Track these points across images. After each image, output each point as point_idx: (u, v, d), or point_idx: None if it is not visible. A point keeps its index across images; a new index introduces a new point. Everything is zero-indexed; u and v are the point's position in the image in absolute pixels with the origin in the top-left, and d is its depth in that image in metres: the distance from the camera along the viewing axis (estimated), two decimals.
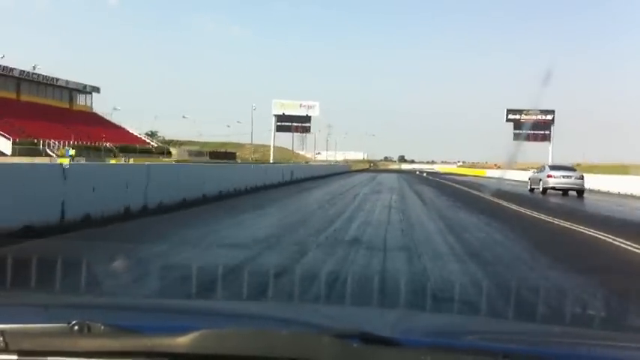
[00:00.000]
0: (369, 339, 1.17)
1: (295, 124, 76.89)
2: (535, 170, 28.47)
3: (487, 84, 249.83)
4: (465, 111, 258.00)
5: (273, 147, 78.03)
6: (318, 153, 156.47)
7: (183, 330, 1.17)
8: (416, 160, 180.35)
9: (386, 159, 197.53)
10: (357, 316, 1.99)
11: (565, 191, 25.23)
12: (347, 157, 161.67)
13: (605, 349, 1.54)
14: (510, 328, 2.01)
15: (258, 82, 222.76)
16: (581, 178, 25.40)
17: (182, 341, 1.14)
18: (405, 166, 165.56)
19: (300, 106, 76.96)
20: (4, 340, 1.18)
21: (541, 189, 25.71)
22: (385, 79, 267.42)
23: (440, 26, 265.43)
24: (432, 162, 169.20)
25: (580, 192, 25.09)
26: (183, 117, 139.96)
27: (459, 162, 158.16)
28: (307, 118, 76.88)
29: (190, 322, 1.37)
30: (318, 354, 1.12)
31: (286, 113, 76.57)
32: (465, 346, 1.33)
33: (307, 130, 78.67)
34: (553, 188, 25.18)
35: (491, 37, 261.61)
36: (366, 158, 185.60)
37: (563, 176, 25.25)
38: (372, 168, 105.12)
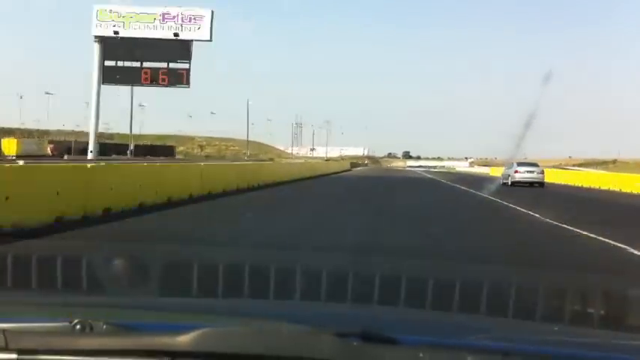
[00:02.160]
0: (369, 337, 1.17)
1: (151, 64, 30.86)
2: (506, 167, 31.76)
3: (494, 77, 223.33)
4: (471, 104, 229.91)
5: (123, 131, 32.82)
6: (313, 149, 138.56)
7: (185, 329, 1.18)
8: (422, 157, 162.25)
9: (390, 155, 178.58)
10: (358, 314, 1.99)
11: (530, 184, 28.53)
12: (345, 154, 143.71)
13: (605, 348, 1.53)
14: (510, 327, 2.01)
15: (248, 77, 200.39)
16: (542, 172, 29.97)
17: (183, 340, 1.15)
18: (410, 163, 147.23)
19: (163, 18, 30.59)
20: (4, 338, 1.18)
21: (510, 183, 28.93)
22: (387, 73, 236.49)
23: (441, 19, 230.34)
24: (439, 158, 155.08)
25: (541, 184, 29.00)
26: (140, 105, 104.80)
27: (470, 158, 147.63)
28: (181, 48, 30.67)
29: (191, 321, 1.37)
30: (319, 352, 1.13)
31: (126, 35, 30.43)
32: (465, 345, 1.33)
33: (181, 79, 31.74)
34: (519, 182, 28.46)
35: (497, 29, 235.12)
36: (366, 154, 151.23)
37: (527, 171, 29.11)
38: (361, 167, 76.14)
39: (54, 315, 1.39)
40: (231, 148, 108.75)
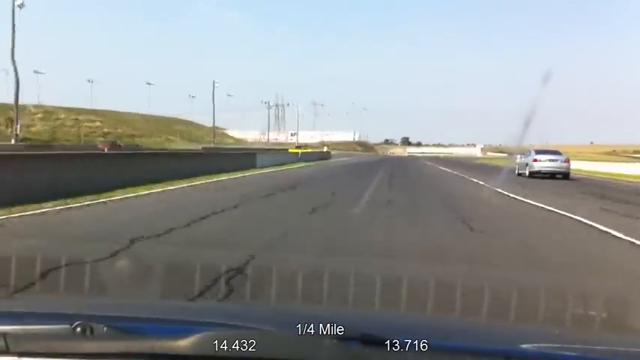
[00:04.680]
0: (369, 341, 1.18)
1: None
2: (521, 155, 27.73)
3: (499, 61, 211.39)
4: (474, 89, 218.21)
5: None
6: (294, 133, 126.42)
7: (185, 332, 1.18)
8: (422, 143, 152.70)
9: (387, 142, 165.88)
10: (358, 317, 1.99)
11: (552, 175, 25.06)
12: (330, 139, 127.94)
13: (606, 352, 1.53)
14: (511, 331, 2.01)
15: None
16: (567, 161, 25.70)
17: (184, 343, 1.16)
18: (411, 151, 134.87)
19: None
20: (5, 342, 1.18)
21: (527, 173, 25.43)
22: (384, 50, 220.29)
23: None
24: (440, 145, 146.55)
25: (565, 175, 25.30)
26: (35, 72, 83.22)
27: (479, 144, 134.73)
28: None
29: (192, 324, 1.37)
30: (319, 356, 1.14)
31: None
32: (465, 348, 1.33)
33: None
34: (539, 172, 24.99)
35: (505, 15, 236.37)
36: (357, 140, 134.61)
37: (549, 160, 25.30)
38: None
39: (55, 318, 1.38)
40: (88, 124, 69.65)
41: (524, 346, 1.46)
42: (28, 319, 1.42)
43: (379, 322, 1.82)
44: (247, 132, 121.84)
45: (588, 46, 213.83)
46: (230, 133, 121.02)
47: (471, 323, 2.39)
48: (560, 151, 27.50)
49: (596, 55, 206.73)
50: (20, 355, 1.18)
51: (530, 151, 26.05)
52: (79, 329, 1.23)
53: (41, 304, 1.94)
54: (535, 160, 25.23)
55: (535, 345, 1.50)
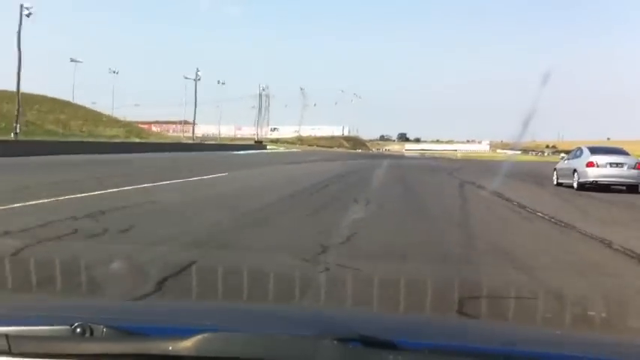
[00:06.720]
0: (369, 342, 1.19)
1: None
2: (566, 156, 20.28)
3: (500, 52, 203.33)
4: (477, 81, 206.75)
5: None
6: (275, 129, 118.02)
7: (186, 333, 1.18)
8: (421, 140, 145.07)
9: (382, 138, 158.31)
10: (358, 318, 1.98)
11: (607, 186, 16.66)
12: (316, 134, 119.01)
13: (604, 351, 1.53)
14: (510, 331, 1.99)
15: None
16: (638, 166, 16.85)
17: (184, 344, 1.16)
18: (410, 147, 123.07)
19: None
20: (7, 343, 1.19)
21: (576, 185, 17.08)
22: (377, 39, 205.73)
23: None
24: (438, 141, 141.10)
25: (634, 187, 16.42)
26: None
27: (484, 141, 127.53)
28: None
29: (192, 325, 1.37)
30: (319, 357, 1.14)
31: None
32: (464, 349, 1.34)
33: None
34: (595, 183, 16.52)
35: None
36: (346, 134, 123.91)
37: (611, 164, 16.67)
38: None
39: (55, 319, 1.37)
40: None
41: (524, 346, 1.46)
42: (29, 319, 1.42)
43: (379, 323, 1.80)
44: (222, 126, 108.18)
45: (602, 39, 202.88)
46: (202, 127, 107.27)
47: (471, 323, 2.44)
48: (624, 149, 18.66)
49: (611, 48, 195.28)
50: (22, 355, 1.17)
51: (580, 150, 18.35)
52: (78, 330, 1.23)
53: (42, 304, 1.92)
54: (590, 164, 16.83)
55: (535, 345, 1.50)
